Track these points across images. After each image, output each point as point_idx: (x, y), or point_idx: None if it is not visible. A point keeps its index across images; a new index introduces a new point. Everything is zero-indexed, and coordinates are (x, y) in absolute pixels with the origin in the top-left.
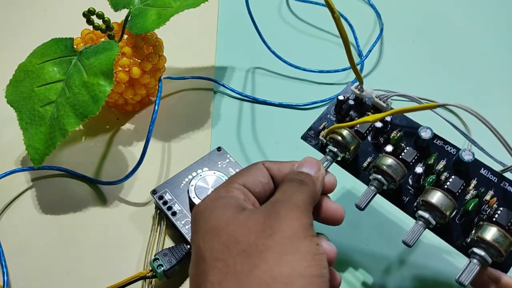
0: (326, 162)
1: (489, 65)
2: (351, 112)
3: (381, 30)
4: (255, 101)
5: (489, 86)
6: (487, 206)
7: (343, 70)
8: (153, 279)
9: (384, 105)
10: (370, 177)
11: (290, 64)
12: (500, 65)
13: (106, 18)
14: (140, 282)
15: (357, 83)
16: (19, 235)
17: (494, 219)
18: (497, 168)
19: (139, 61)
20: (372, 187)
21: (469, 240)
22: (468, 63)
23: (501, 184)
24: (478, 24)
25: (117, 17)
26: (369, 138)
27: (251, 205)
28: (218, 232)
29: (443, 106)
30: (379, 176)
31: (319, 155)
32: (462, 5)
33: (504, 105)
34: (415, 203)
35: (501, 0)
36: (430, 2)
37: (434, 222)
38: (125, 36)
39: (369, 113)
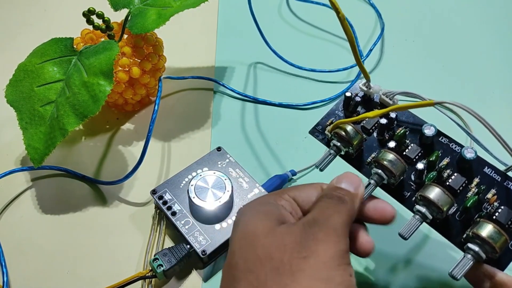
0: (329, 156)
1: (489, 65)
2: (359, 109)
3: (382, 29)
4: (255, 101)
5: (490, 85)
6: (488, 204)
7: (344, 69)
8: (153, 279)
9: (391, 102)
10: (371, 171)
11: (291, 64)
12: (501, 65)
13: (106, 18)
14: (140, 282)
15: (364, 80)
16: (19, 235)
17: (494, 217)
18: (501, 167)
19: (139, 61)
20: (372, 181)
21: (465, 236)
22: (468, 63)
23: (504, 183)
24: (478, 24)
25: (117, 17)
26: (374, 134)
27: (297, 219)
28: (254, 242)
29: (439, 104)
30: (379, 171)
31: (323, 149)
32: (462, 5)
33: (505, 105)
34: (414, 198)
35: (501, 0)
36: (431, 2)
37: (430, 217)
38: (125, 36)
39: (376, 109)
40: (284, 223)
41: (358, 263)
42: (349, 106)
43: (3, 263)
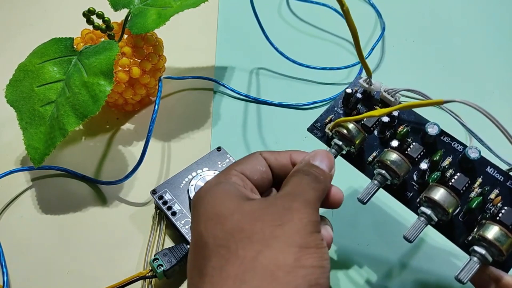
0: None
1: (489, 65)
2: (359, 106)
3: (383, 29)
4: (255, 101)
5: (489, 85)
6: (491, 204)
7: (346, 67)
8: (153, 279)
9: (392, 99)
10: (374, 172)
11: (293, 61)
12: (500, 65)
13: (106, 18)
14: (140, 282)
15: (365, 76)
16: (19, 235)
17: (498, 218)
18: (504, 166)
19: (139, 61)
20: (376, 182)
21: (470, 238)
22: (468, 63)
23: (507, 183)
24: (478, 24)
25: (117, 17)
26: (375, 132)
27: (250, 191)
28: (222, 220)
29: (449, 102)
30: (383, 171)
31: (323, 148)
32: (462, 5)
33: (505, 104)
34: (418, 199)
35: (500, 1)
36: (430, 2)
37: (436, 219)
38: (125, 36)
39: (377, 107)
40: (249, 198)
41: (355, 264)
42: (349, 103)
43: (3, 263)
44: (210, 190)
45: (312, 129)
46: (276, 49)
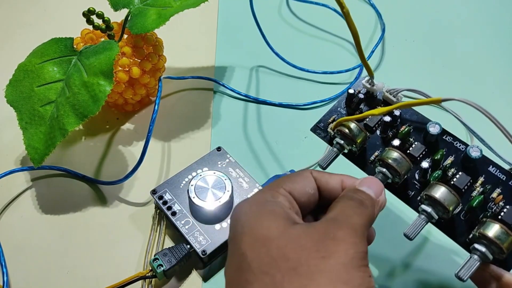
0: (332, 154)
1: (490, 65)
2: (361, 106)
3: (383, 30)
4: (255, 101)
5: (489, 85)
6: (493, 203)
7: (346, 71)
8: (153, 279)
9: (394, 99)
10: (375, 170)
11: (293, 65)
12: (499, 64)
13: (106, 18)
14: (140, 282)
15: (368, 77)
16: (19, 235)
17: (500, 216)
18: (505, 166)
19: (139, 61)
20: None
21: (471, 236)
22: (468, 63)
23: (509, 182)
24: (478, 24)
25: (117, 17)
26: (378, 132)
27: (295, 213)
28: (267, 244)
29: (447, 100)
30: (384, 169)
31: (323, 149)
32: (462, 4)
33: (504, 105)
34: (419, 197)
35: (499, 0)
36: (430, 2)
37: (436, 217)
38: (125, 36)
39: (379, 107)
40: (295, 222)
41: None
42: (352, 103)
43: (3, 263)
44: (257, 209)
45: (315, 129)
46: (277, 54)
